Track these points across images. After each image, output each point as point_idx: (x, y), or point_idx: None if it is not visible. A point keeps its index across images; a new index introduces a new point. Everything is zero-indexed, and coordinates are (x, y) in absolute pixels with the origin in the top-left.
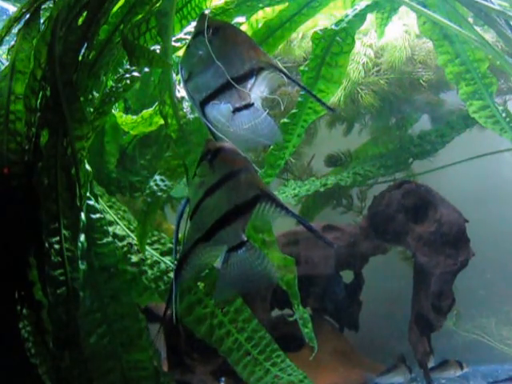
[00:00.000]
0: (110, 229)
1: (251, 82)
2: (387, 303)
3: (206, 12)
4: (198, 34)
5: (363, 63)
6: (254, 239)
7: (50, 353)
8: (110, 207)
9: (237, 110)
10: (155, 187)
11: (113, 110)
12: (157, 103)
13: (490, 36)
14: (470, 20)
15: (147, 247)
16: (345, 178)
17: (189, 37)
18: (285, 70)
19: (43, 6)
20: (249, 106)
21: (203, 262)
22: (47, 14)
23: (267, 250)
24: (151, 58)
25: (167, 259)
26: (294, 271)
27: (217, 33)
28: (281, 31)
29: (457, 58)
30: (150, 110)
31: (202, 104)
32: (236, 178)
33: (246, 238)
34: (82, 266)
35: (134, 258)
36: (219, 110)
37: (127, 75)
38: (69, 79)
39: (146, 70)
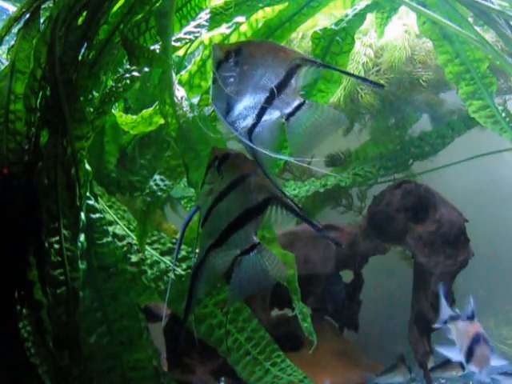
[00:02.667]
0: (110, 228)
1: (294, 81)
2: (387, 303)
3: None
4: (219, 64)
5: (363, 63)
6: None
7: (49, 352)
8: (110, 207)
9: (290, 115)
10: (155, 187)
11: (113, 110)
12: (157, 103)
13: (490, 36)
14: (470, 20)
15: (147, 247)
16: (344, 178)
17: (189, 36)
18: (319, 61)
19: (43, 6)
20: (301, 105)
21: (217, 269)
22: (47, 13)
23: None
24: (151, 58)
25: (167, 259)
26: (293, 267)
27: (240, 53)
28: (281, 31)
29: (456, 58)
30: (150, 109)
31: (251, 130)
32: (245, 182)
33: (257, 241)
34: (82, 266)
35: (134, 258)
36: (271, 127)
37: (127, 75)
38: (69, 79)
39: (146, 69)
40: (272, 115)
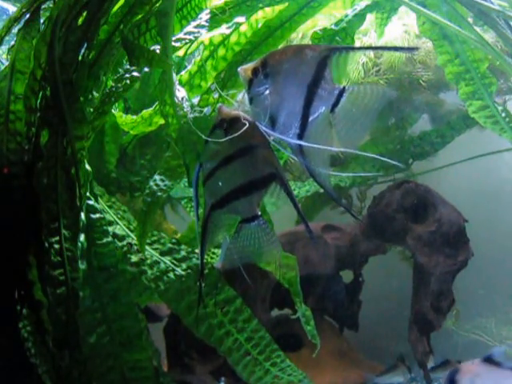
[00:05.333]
0: (110, 229)
1: (327, 72)
2: (387, 303)
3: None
4: (250, 82)
5: (363, 63)
6: None
7: (49, 352)
8: (110, 207)
9: (335, 105)
10: (155, 187)
11: (113, 110)
12: (157, 103)
13: (489, 36)
14: (470, 20)
15: (147, 247)
16: (344, 178)
17: (189, 37)
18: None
19: (43, 6)
20: (343, 91)
21: (220, 229)
22: (47, 14)
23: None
24: (151, 58)
25: (167, 259)
26: (295, 269)
27: (266, 65)
28: (281, 31)
29: (456, 58)
30: (150, 109)
31: (301, 136)
32: (253, 153)
33: (259, 213)
34: (82, 266)
35: (134, 258)
36: (319, 125)
37: (127, 75)
38: (69, 79)
39: (146, 69)
40: (317, 113)
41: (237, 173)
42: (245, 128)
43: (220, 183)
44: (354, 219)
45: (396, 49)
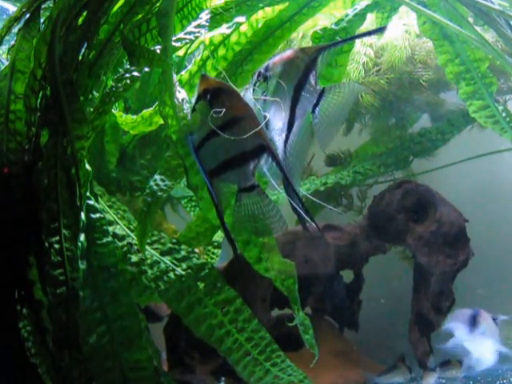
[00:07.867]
0: (110, 228)
1: (313, 74)
2: (387, 303)
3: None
4: (254, 84)
5: (363, 63)
6: (255, 243)
7: (49, 352)
8: (110, 207)
9: (315, 106)
10: (155, 187)
11: (113, 110)
12: (157, 103)
13: (490, 36)
14: (470, 20)
15: (147, 247)
16: (345, 176)
17: (189, 37)
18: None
19: (43, 6)
20: (323, 92)
21: (224, 194)
22: (47, 13)
23: (267, 254)
24: (151, 58)
25: (167, 259)
26: (294, 275)
27: (267, 68)
28: (281, 31)
29: (457, 58)
30: (150, 109)
31: (287, 138)
32: (240, 125)
33: (256, 183)
34: (82, 266)
35: (134, 258)
36: (302, 126)
37: (127, 75)
38: (69, 79)
39: (146, 69)
40: (301, 115)
41: (226, 145)
42: (229, 99)
43: (210, 153)
44: (354, 219)
45: (368, 33)
